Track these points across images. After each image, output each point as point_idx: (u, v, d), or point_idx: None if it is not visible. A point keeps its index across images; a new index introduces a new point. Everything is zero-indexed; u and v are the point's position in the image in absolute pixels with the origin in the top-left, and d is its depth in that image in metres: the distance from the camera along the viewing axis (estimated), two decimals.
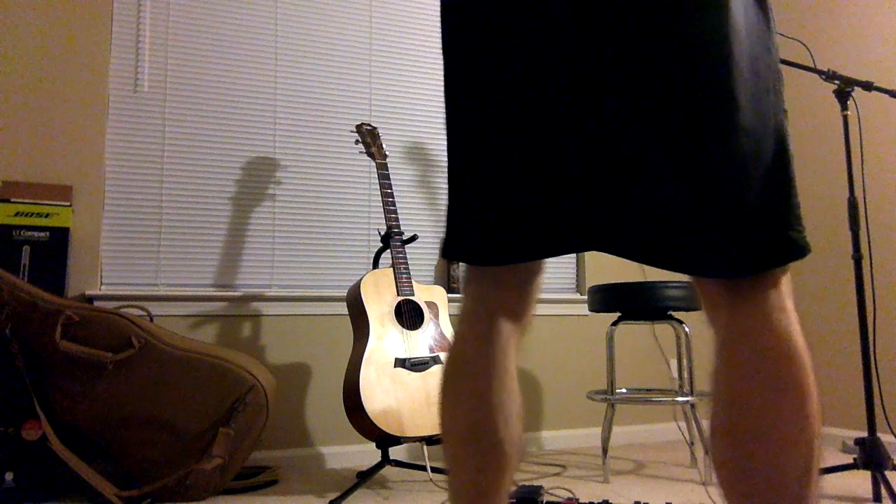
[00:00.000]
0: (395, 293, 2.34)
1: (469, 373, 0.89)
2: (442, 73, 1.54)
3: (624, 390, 2.79)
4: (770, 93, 0.83)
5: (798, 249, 0.79)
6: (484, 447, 0.87)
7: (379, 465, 2.24)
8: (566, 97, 0.83)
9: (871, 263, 2.47)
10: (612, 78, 0.81)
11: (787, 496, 0.73)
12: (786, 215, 0.79)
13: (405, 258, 2.38)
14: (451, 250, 0.93)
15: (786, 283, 0.80)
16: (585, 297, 3.10)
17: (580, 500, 2.05)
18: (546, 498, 2.12)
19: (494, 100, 0.88)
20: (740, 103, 0.79)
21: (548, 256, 0.87)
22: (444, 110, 0.98)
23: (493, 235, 0.87)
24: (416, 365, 2.25)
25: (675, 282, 2.41)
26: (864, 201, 2.31)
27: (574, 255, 3.37)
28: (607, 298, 2.45)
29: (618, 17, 0.81)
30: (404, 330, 2.29)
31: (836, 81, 2.20)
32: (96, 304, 2.44)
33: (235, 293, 2.66)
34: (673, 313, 2.48)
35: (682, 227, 0.78)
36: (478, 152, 0.89)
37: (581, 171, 0.83)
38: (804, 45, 2.41)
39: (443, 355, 2.31)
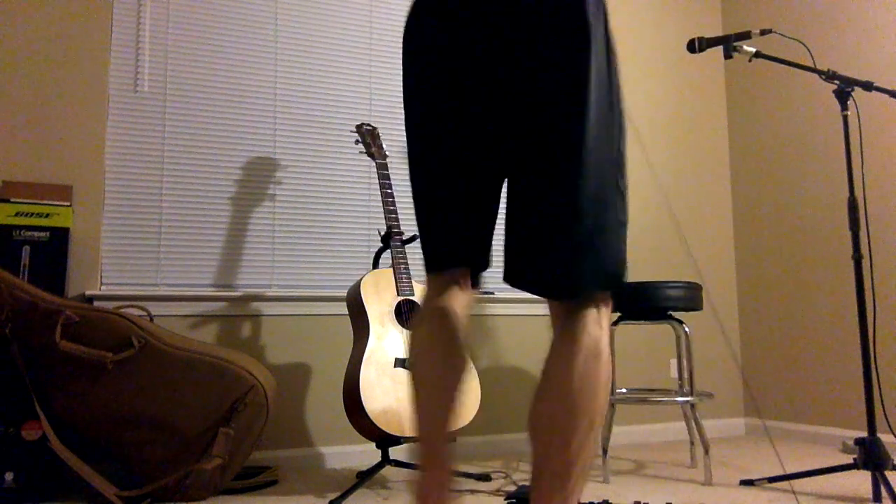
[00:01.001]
0: (395, 293, 2.34)
1: (429, 341, 1.19)
2: None
3: (624, 390, 2.79)
4: (612, 153, 1.10)
5: (599, 285, 1.08)
6: (439, 390, 1.17)
7: (379, 465, 2.24)
8: (474, 149, 1.15)
9: (871, 263, 2.47)
10: (507, 136, 1.11)
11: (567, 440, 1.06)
12: (603, 258, 1.07)
13: (405, 258, 2.38)
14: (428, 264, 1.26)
15: (603, 305, 1.10)
16: None
17: (580, 500, 2.05)
18: None
19: (428, 148, 1.20)
20: (588, 164, 1.05)
21: (462, 267, 1.21)
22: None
23: (434, 251, 1.22)
24: None
25: (675, 282, 2.41)
26: (864, 201, 2.31)
27: None
28: None
29: (515, 88, 1.09)
30: (404, 330, 2.29)
31: (836, 81, 2.20)
32: (96, 304, 2.44)
33: (235, 293, 2.66)
34: (673, 313, 2.48)
35: (532, 258, 1.08)
36: (422, 191, 1.23)
37: (479, 205, 1.17)
38: (804, 45, 2.41)
39: None
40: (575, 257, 1.05)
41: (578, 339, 1.06)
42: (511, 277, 1.11)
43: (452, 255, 1.20)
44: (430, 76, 1.17)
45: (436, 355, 1.18)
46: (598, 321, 1.09)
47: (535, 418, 1.08)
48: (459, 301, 1.22)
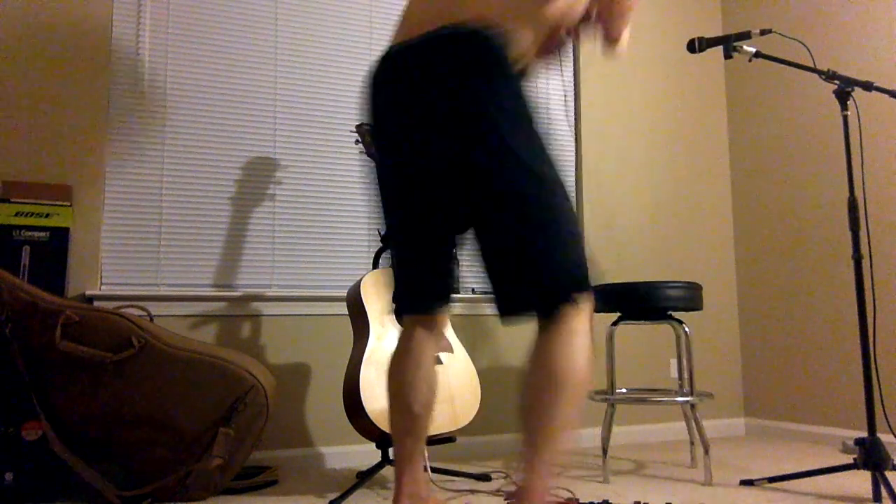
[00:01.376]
0: None
1: (398, 366, 1.45)
2: None
3: (624, 390, 2.79)
4: (556, 187, 1.27)
5: (564, 298, 1.24)
6: (402, 407, 1.43)
7: (379, 465, 2.24)
8: (433, 204, 1.36)
9: (871, 263, 2.47)
10: (462, 190, 1.30)
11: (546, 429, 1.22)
12: (565, 279, 1.24)
13: None
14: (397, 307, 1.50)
15: (577, 314, 1.24)
16: None
17: (580, 500, 2.05)
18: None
19: (396, 204, 1.43)
20: (539, 200, 1.25)
21: (436, 313, 1.46)
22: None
23: (406, 298, 1.47)
24: None
25: (675, 282, 2.41)
26: (864, 201, 2.31)
27: None
28: (607, 298, 2.45)
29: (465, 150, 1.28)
30: None
31: (836, 81, 2.20)
32: (96, 304, 2.44)
33: (235, 293, 2.66)
34: (673, 313, 2.48)
35: (503, 285, 1.28)
36: (394, 239, 1.47)
37: (446, 253, 1.42)
38: (804, 45, 2.41)
39: (443, 356, 2.31)
40: (536, 269, 1.23)
41: (557, 326, 1.24)
42: (506, 307, 1.28)
43: (436, 298, 1.43)
44: (386, 140, 1.41)
45: (406, 374, 1.43)
46: (576, 312, 1.25)
47: (523, 393, 1.25)
48: (431, 335, 1.47)
